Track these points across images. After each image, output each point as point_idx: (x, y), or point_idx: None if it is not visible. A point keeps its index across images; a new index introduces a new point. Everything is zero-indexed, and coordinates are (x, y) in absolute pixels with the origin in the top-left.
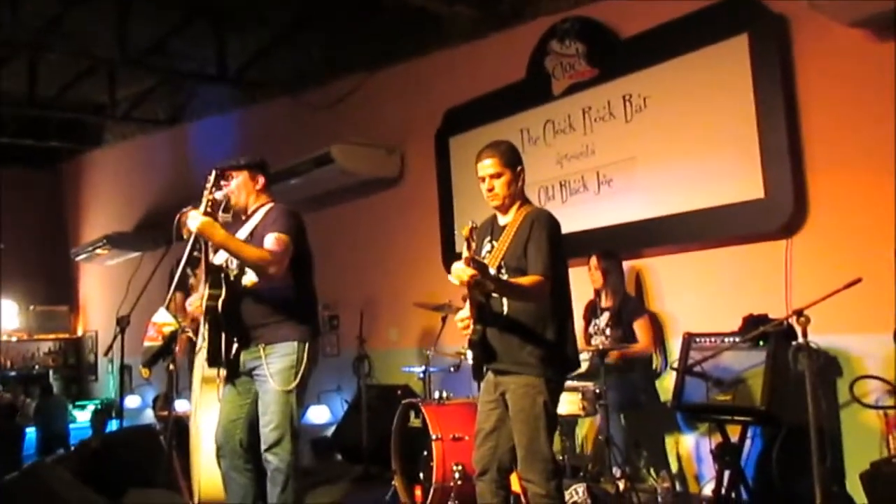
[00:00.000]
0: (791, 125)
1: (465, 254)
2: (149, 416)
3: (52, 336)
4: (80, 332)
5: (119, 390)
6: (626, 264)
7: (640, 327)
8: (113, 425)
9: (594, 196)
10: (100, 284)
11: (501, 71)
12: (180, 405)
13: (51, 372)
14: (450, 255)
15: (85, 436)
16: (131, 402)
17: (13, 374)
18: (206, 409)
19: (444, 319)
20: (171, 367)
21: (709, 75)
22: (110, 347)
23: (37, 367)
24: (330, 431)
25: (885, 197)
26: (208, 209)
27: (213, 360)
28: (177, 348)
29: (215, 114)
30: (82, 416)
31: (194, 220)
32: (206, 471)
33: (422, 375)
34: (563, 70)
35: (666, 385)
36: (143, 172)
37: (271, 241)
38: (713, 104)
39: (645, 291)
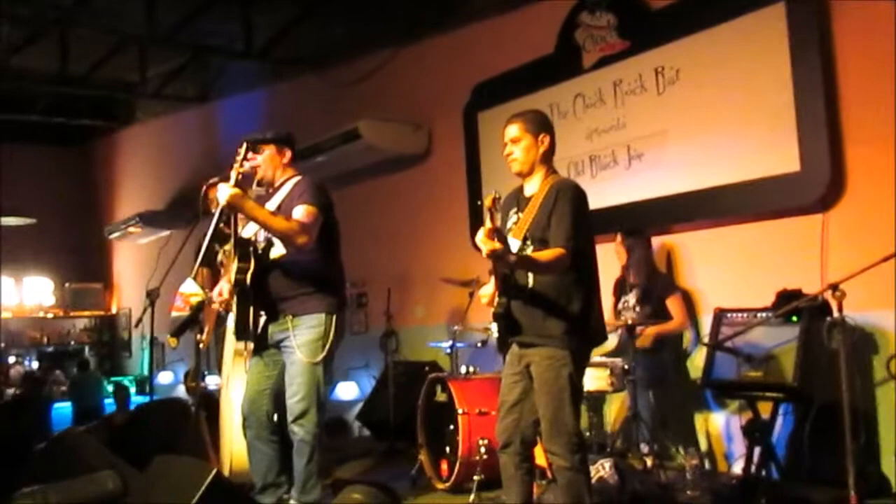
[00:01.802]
0: (829, 96)
1: (488, 224)
2: (181, 392)
3: (86, 313)
4: (113, 310)
5: (150, 364)
6: (655, 240)
7: (673, 304)
8: (138, 401)
9: (624, 171)
10: (133, 262)
11: (530, 44)
12: (210, 379)
13: (86, 348)
14: (477, 232)
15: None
16: (164, 377)
17: (50, 349)
18: (235, 382)
19: (471, 295)
20: (199, 337)
21: (744, 46)
22: (140, 320)
23: (72, 342)
24: (356, 408)
25: None
26: (237, 182)
27: (241, 333)
28: (205, 321)
29: (243, 91)
30: None
31: (224, 191)
32: (236, 442)
33: (448, 351)
34: (593, 42)
35: (695, 362)
36: (174, 150)
37: (300, 212)
38: (748, 75)
39: (675, 268)
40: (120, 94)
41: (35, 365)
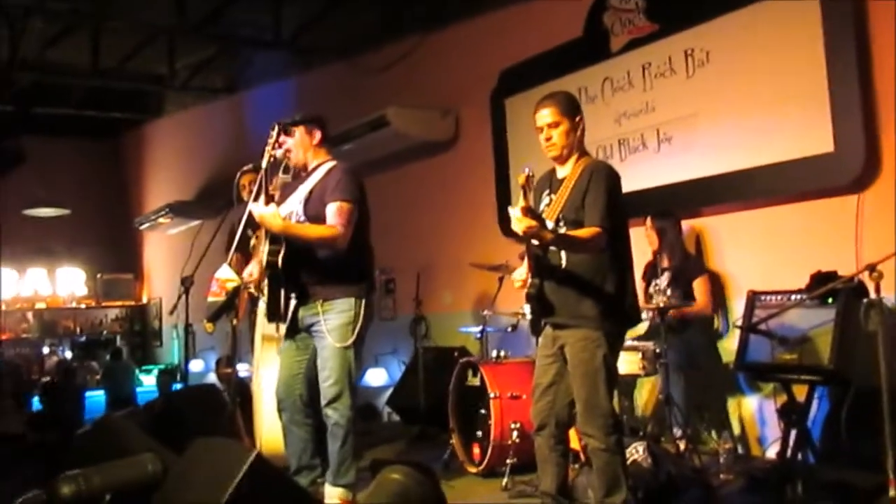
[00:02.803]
0: (863, 76)
1: (521, 203)
2: (212, 379)
3: (118, 303)
4: (144, 300)
5: (186, 351)
6: (685, 224)
7: (698, 286)
8: (177, 387)
9: (654, 154)
10: (163, 252)
11: (557, 29)
12: (241, 366)
13: (118, 338)
14: (506, 218)
15: (151, 398)
16: (195, 365)
17: (83, 339)
18: (266, 367)
19: (500, 280)
20: (235, 322)
21: (775, 26)
22: (175, 307)
23: (105, 332)
24: (385, 394)
25: None
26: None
27: (272, 315)
28: (240, 306)
29: (271, 81)
30: (148, 381)
31: (256, 209)
32: (268, 426)
33: (479, 336)
34: (621, 26)
35: (727, 346)
36: (203, 141)
37: (333, 212)
38: (780, 56)
39: (705, 251)
40: (150, 87)
41: (69, 355)
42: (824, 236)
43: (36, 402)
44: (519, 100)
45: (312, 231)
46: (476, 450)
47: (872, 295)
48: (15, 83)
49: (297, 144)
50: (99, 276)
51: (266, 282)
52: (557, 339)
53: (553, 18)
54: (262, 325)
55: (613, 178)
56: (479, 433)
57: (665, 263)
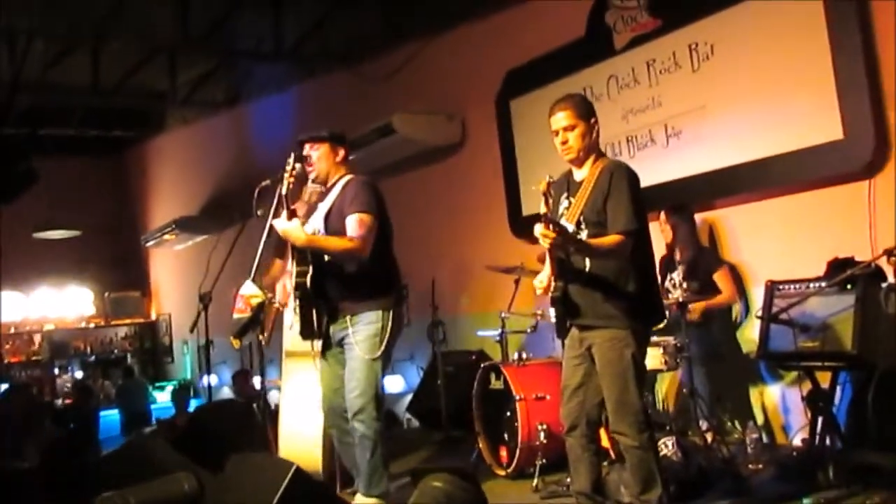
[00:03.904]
0: (869, 62)
1: (542, 210)
2: (225, 394)
3: (127, 321)
4: (153, 316)
5: (206, 366)
6: (697, 216)
7: (720, 278)
8: (193, 403)
9: (663, 149)
10: (170, 268)
11: (560, 29)
12: (257, 380)
13: (128, 355)
14: (517, 219)
15: (167, 414)
16: (209, 381)
17: (92, 358)
18: (288, 382)
19: (516, 282)
20: (261, 338)
21: (779, 17)
22: (195, 324)
23: (115, 351)
24: (403, 401)
25: None
26: (288, 191)
27: (307, 334)
28: (268, 321)
29: (273, 92)
30: (161, 397)
31: (279, 224)
32: (285, 441)
33: (499, 338)
34: (624, 23)
35: (746, 336)
36: (206, 156)
37: (354, 224)
38: (785, 46)
39: (719, 242)
40: (151, 103)
41: (79, 374)
42: (837, 223)
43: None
44: (524, 101)
45: (335, 243)
46: (503, 452)
47: (891, 279)
48: (17, 105)
49: (321, 159)
50: (107, 294)
51: (297, 302)
52: (584, 341)
53: (554, 19)
54: (286, 342)
55: (633, 178)
56: (506, 435)
57: (680, 257)
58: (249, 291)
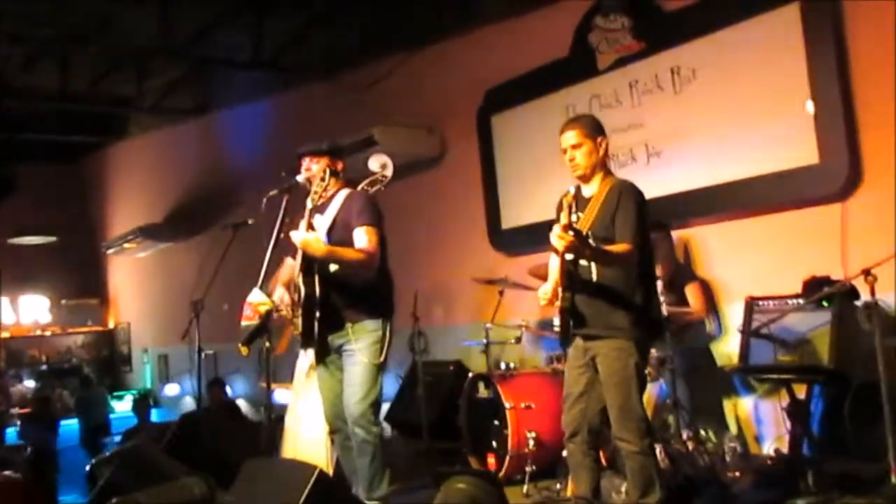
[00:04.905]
0: (844, 90)
1: (564, 220)
2: (188, 403)
3: (84, 329)
4: (111, 325)
5: (199, 375)
6: (673, 234)
7: (691, 292)
8: (154, 414)
9: (643, 167)
10: (129, 276)
11: (543, 48)
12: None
13: (83, 364)
14: (496, 232)
15: (127, 425)
16: (170, 389)
17: (45, 367)
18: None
19: (501, 293)
20: (268, 344)
21: (760, 44)
22: (187, 332)
23: (73, 359)
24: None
25: None
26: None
27: (309, 343)
28: (281, 330)
29: (247, 101)
30: (120, 407)
31: (297, 236)
32: (290, 446)
33: (483, 349)
34: (608, 44)
35: (720, 349)
36: (171, 163)
37: (363, 236)
38: (765, 73)
39: (693, 259)
40: (118, 110)
41: (30, 384)
42: (810, 243)
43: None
44: (506, 116)
45: (352, 254)
46: (491, 460)
47: (864, 297)
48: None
49: (321, 172)
50: (63, 302)
51: (300, 311)
52: (589, 350)
53: (539, 38)
54: (309, 355)
55: (641, 197)
56: (494, 443)
57: (659, 273)
58: (257, 299)
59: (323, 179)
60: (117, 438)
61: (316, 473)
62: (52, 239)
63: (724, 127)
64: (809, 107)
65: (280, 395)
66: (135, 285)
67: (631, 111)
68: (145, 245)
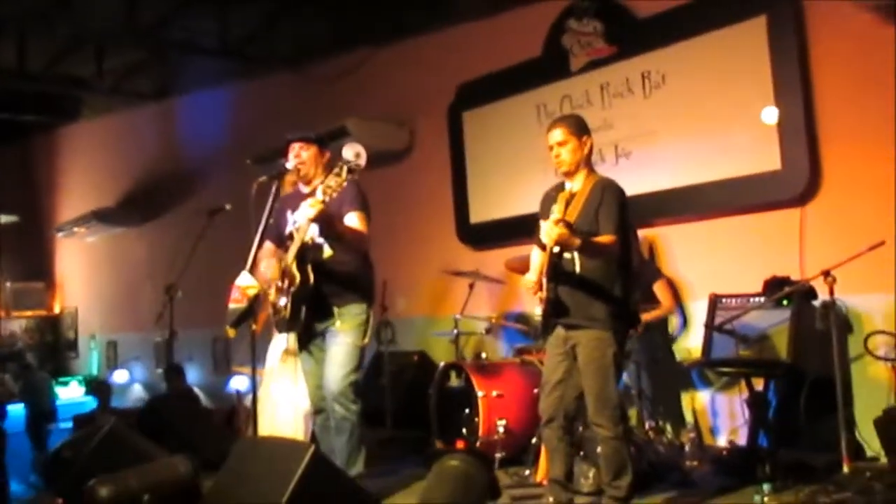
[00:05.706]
0: (807, 102)
1: (557, 215)
2: (136, 391)
3: (28, 313)
4: (57, 309)
5: (169, 358)
6: (639, 233)
7: (660, 289)
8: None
9: (612, 167)
10: (78, 261)
11: (516, 48)
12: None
13: (24, 350)
14: (465, 228)
15: (75, 412)
16: (119, 376)
17: None
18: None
19: (471, 286)
20: (254, 327)
21: (728, 54)
22: (161, 315)
23: (19, 343)
24: None
25: (890, 168)
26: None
27: (293, 327)
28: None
29: (209, 88)
30: (65, 393)
31: (311, 208)
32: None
33: (453, 339)
34: (580, 47)
35: (681, 344)
36: (126, 147)
37: (356, 220)
38: (732, 81)
39: (658, 257)
40: (75, 91)
41: None
42: (769, 245)
43: None
44: (477, 113)
45: (351, 231)
46: (460, 446)
47: (823, 297)
48: None
49: (311, 161)
50: (8, 284)
51: (292, 297)
52: (569, 339)
53: (512, 38)
54: (290, 339)
55: (622, 194)
56: (464, 430)
57: None
58: (245, 282)
59: (315, 166)
60: (64, 425)
61: (310, 453)
62: (14, 218)
63: (692, 132)
64: (768, 116)
65: (237, 381)
66: (84, 270)
67: (601, 112)
68: (97, 229)
